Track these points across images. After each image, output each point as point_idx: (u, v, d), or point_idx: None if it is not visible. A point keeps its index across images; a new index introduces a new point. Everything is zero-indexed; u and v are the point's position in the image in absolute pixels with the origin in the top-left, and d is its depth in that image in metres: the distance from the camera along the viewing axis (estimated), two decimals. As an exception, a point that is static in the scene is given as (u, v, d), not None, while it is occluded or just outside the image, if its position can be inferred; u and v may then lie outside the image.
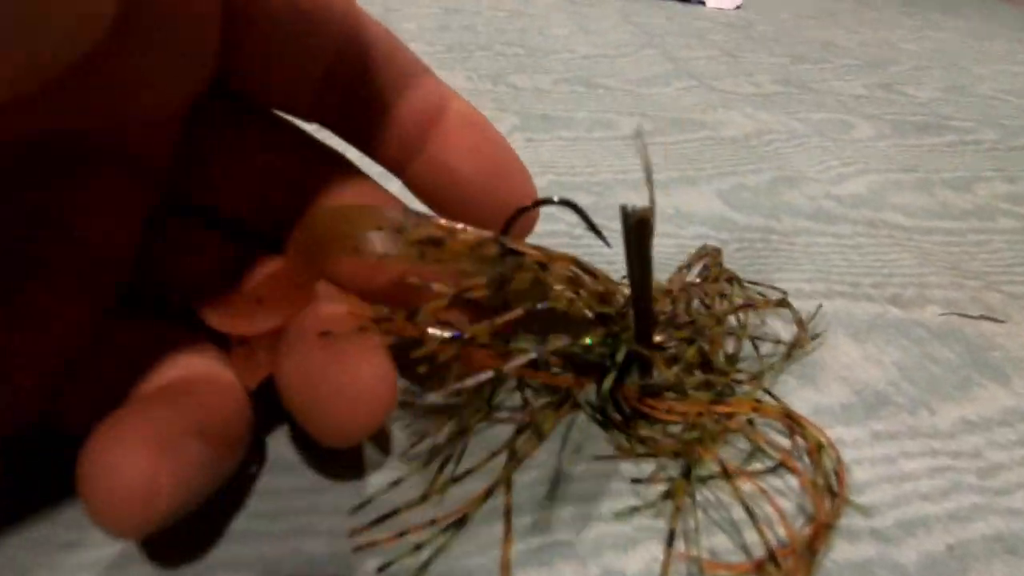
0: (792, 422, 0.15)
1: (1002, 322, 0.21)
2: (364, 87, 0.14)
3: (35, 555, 0.12)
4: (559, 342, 0.14)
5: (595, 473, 0.15)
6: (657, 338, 0.17)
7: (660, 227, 0.26)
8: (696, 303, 0.19)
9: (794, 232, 0.26)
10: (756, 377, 0.17)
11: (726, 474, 0.14)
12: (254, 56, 0.13)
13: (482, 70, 0.46)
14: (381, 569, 0.12)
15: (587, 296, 0.14)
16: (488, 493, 0.13)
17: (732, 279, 0.20)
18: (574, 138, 0.35)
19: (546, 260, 0.13)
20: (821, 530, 0.13)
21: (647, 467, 0.15)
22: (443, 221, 0.13)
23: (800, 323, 0.20)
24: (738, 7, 0.85)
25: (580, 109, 0.39)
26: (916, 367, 0.19)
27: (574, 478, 0.14)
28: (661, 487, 0.14)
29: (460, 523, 0.13)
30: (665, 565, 0.12)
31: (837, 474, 0.14)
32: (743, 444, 0.15)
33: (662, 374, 0.15)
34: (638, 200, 0.28)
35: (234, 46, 0.12)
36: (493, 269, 0.13)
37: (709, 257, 0.21)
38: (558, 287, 0.14)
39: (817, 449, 0.15)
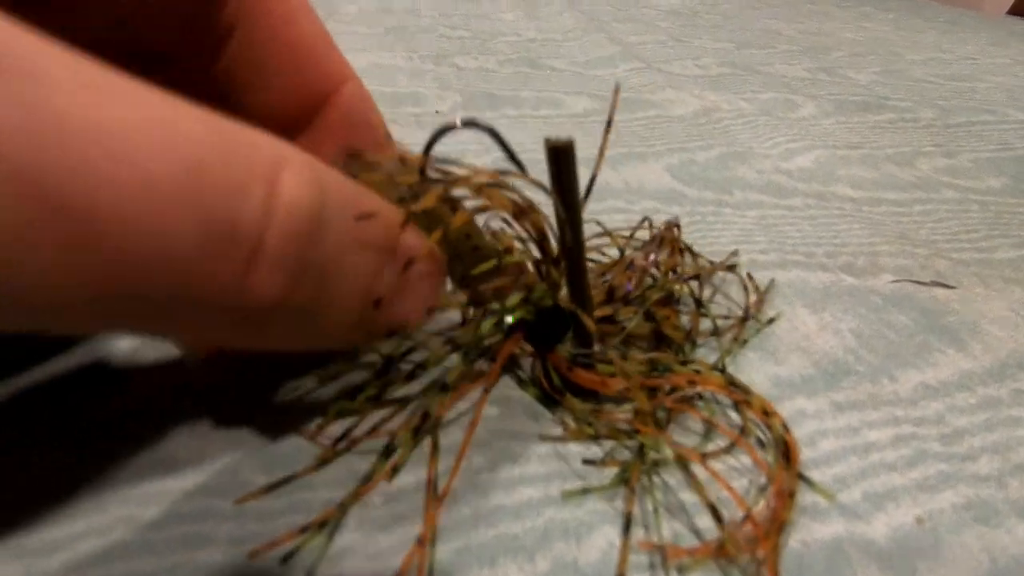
0: (736, 391, 0.14)
1: (953, 288, 0.21)
2: (249, 46, 0.13)
3: None
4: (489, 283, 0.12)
5: (541, 455, 0.13)
6: (602, 312, 0.16)
7: (610, 201, 0.25)
8: (648, 279, 0.17)
9: (746, 205, 0.25)
10: (722, 349, 0.16)
11: (680, 459, 0.13)
12: None
13: (424, 51, 0.44)
14: (285, 560, 0.11)
15: (527, 232, 0.13)
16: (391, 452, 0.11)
17: (685, 250, 0.19)
18: (519, 116, 0.33)
19: (472, 175, 0.12)
20: (782, 498, 0.12)
21: (596, 448, 0.13)
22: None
23: (756, 289, 0.19)
24: (683, -3, 0.86)
25: (526, 88, 0.38)
26: (873, 334, 0.18)
27: (517, 460, 0.13)
28: (613, 469, 0.13)
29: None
30: (623, 554, 0.11)
31: (786, 442, 0.13)
32: (693, 422, 0.14)
33: (597, 342, 0.14)
34: (587, 176, 0.27)
35: None
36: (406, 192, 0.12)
37: (665, 231, 0.19)
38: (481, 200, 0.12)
39: (764, 415, 0.14)
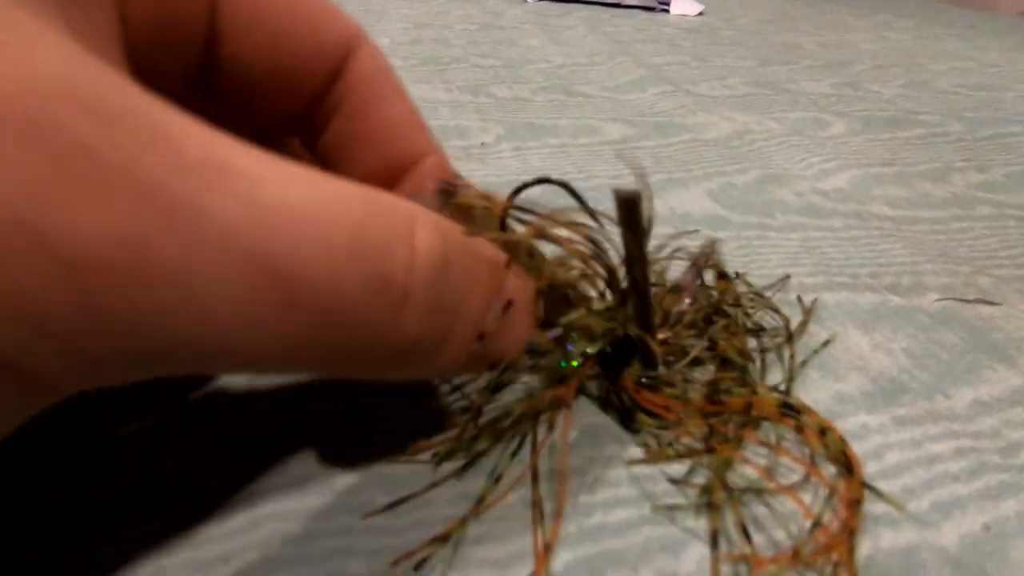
0: (791, 412, 0.15)
1: (998, 304, 0.22)
2: (344, 123, 0.15)
3: None
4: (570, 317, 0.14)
5: (631, 477, 0.14)
6: (663, 335, 0.17)
7: (659, 228, 0.26)
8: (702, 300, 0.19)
9: (789, 228, 0.27)
10: (787, 374, 0.17)
11: (751, 487, 0.14)
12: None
13: (460, 82, 0.46)
14: (418, 567, 0.12)
15: (595, 272, 0.14)
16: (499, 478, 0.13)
17: (724, 273, 0.20)
18: (561, 145, 0.35)
19: (559, 222, 0.14)
20: (851, 508, 0.13)
21: (679, 466, 0.15)
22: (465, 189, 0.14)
23: (804, 311, 0.20)
24: (700, 13, 0.88)
25: (562, 117, 0.40)
26: (924, 353, 0.19)
27: (611, 483, 0.14)
28: (695, 488, 0.14)
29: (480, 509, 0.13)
30: (715, 567, 0.12)
31: (846, 454, 0.14)
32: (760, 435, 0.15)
33: (662, 365, 0.16)
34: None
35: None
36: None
37: (700, 253, 0.21)
38: (568, 262, 0.14)
39: (821, 434, 0.15)
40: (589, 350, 0.15)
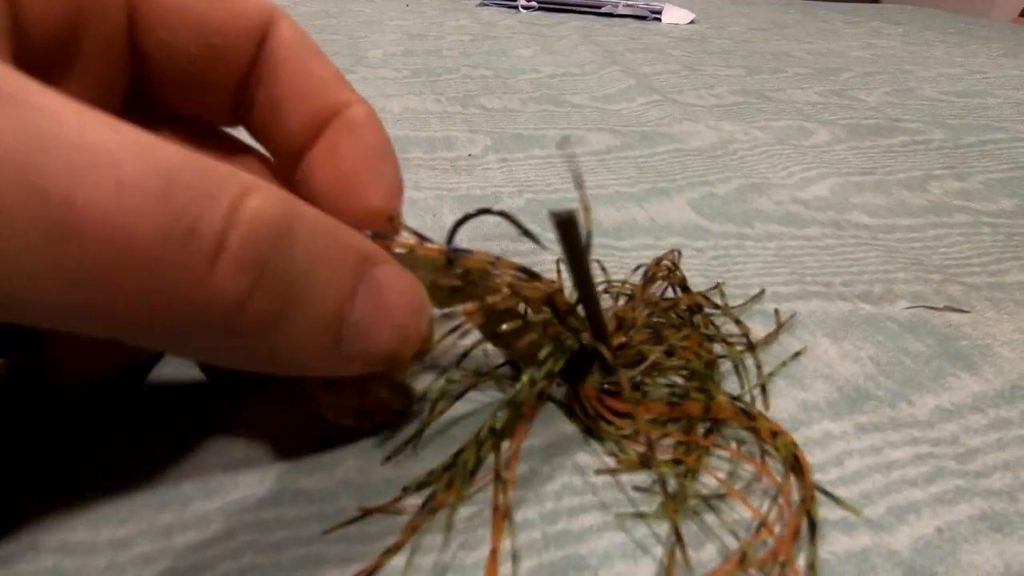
0: (744, 417, 0.16)
1: (966, 312, 0.22)
2: (268, 88, 0.15)
3: None
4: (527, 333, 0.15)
5: (597, 485, 0.15)
6: (617, 340, 0.17)
7: (639, 239, 0.26)
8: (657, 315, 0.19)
9: (766, 237, 0.27)
10: (749, 381, 0.18)
11: (705, 497, 0.15)
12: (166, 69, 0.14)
13: (450, 93, 0.47)
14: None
15: (533, 298, 0.15)
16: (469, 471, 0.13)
17: (684, 283, 0.21)
18: (547, 156, 0.35)
19: (491, 262, 0.14)
20: (790, 507, 0.14)
21: (645, 476, 0.15)
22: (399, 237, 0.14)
23: (779, 322, 0.21)
24: (692, 22, 0.88)
25: (550, 127, 0.40)
26: (891, 361, 0.20)
27: (577, 490, 0.15)
28: (658, 495, 0.15)
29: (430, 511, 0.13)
30: (669, 572, 0.13)
31: (797, 457, 0.15)
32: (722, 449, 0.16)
33: (618, 372, 0.16)
34: (615, 214, 0.29)
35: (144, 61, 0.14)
36: (441, 277, 0.14)
37: (656, 266, 0.21)
38: (504, 291, 0.14)
39: (772, 437, 0.15)
40: (551, 367, 0.15)
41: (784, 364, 0.19)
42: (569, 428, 0.16)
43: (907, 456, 0.16)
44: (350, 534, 0.13)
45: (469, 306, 0.14)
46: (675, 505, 0.14)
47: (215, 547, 0.13)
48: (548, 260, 0.23)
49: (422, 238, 0.14)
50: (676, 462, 0.15)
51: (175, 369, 0.18)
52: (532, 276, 0.15)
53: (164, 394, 0.17)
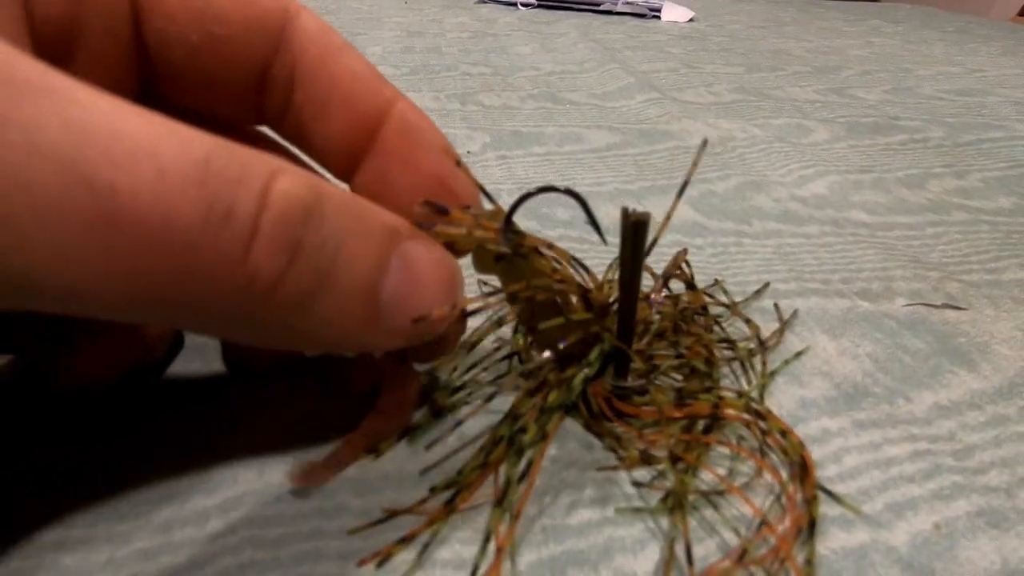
0: (753, 417, 0.16)
1: (964, 309, 0.22)
2: (305, 90, 0.14)
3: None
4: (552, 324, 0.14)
5: (597, 480, 0.15)
6: (638, 345, 0.17)
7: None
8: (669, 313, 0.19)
9: (765, 235, 0.27)
10: (757, 379, 0.18)
11: (708, 493, 0.15)
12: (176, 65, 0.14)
13: (449, 90, 0.47)
14: (380, 565, 0.13)
15: (575, 287, 0.15)
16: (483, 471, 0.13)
17: (692, 284, 0.21)
18: (546, 153, 0.35)
19: (546, 245, 0.14)
20: (794, 506, 0.14)
21: (644, 472, 0.15)
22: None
23: (780, 319, 0.21)
24: (691, 20, 0.88)
25: (549, 125, 0.40)
26: (889, 358, 0.20)
27: (576, 486, 0.15)
28: (659, 491, 0.15)
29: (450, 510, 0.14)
30: (667, 569, 0.13)
31: (803, 456, 0.15)
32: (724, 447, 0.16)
33: (637, 375, 0.16)
34: (614, 212, 0.29)
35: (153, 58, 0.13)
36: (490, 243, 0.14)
37: (671, 265, 0.21)
38: (551, 278, 0.14)
39: (781, 436, 0.15)
40: (587, 372, 0.15)
41: (787, 363, 0.19)
42: (568, 424, 0.16)
43: (905, 453, 0.16)
44: (348, 528, 0.13)
45: (515, 286, 0.14)
46: (675, 500, 0.14)
47: (215, 543, 0.13)
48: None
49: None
50: (676, 459, 0.15)
51: (178, 368, 0.18)
52: (582, 267, 0.15)
53: (165, 393, 0.17)
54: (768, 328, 0.20)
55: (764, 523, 0.14)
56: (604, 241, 0.15)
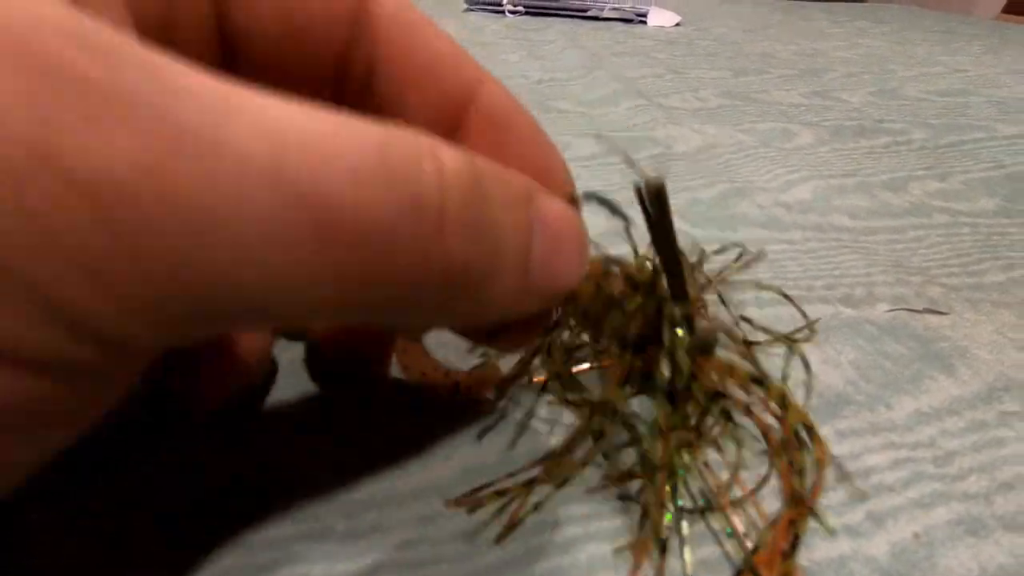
0: (757, 387, 0.16)
1: (945, 314, 0.23)
2: (384, 72, 0.14)
3: None
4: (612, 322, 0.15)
5: (580, 497, 0.15)
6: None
7: (624, 245, 0.27)
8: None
9: (750, 242, 0.27)
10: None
11: (700, 509, 0.15)
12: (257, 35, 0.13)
13: (437, 100, 0.47)
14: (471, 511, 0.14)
15: (618, 275, 0.15)
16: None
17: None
18: (533, 163, 0.35)
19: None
20: (795, 518, 0.14)
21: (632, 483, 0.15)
22: None
23: (805, 316, 0.21)
24: (677, 24, 0.89)
25: (536, 134, 0.40)
26: (871, 365, 0.20)
27: (559, 502, 0.15)
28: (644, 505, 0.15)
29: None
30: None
31: (818, 460, 0.15)
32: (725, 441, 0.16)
33: (704, 328, 0.16)
34: (594, 219, 0.29)
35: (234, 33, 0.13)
36: None
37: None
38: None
39: (805, 432, 0.15)
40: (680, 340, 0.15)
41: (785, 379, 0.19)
42: (550, 440, 0.17)
43: (885, 461, 0.16)
44: (333, 551, 0.14)
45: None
46: (659, 516, 0.14)
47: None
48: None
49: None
50: (669, 473, 0.15)
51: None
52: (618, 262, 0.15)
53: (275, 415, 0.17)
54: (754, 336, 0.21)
55: (756, 550, 0.14)
56: (632, 241, 0.15)
